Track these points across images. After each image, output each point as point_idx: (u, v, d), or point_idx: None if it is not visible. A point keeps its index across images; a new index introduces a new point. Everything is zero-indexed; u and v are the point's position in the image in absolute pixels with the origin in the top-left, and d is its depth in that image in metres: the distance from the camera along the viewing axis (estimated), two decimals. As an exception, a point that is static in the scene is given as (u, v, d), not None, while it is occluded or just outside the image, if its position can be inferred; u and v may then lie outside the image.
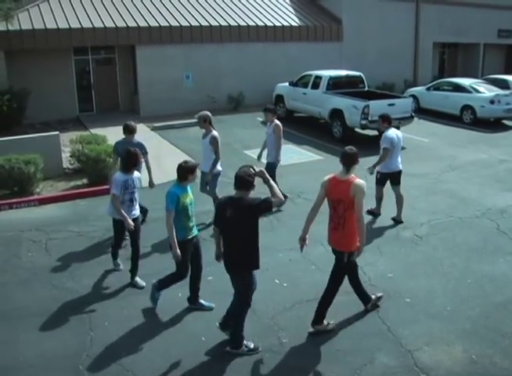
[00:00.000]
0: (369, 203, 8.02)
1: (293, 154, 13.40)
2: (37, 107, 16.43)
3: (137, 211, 6.70)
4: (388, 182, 8.79)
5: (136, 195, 6.60)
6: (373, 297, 6.03)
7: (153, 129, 16.27)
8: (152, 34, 18.24)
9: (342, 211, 5.34)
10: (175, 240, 5.64)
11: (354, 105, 14.20)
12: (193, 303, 6.11)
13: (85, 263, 7.34)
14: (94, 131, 14.79)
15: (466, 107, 17.27)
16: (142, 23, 18.19)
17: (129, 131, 7.91)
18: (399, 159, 8.67)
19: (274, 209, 5.27)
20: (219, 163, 8.38)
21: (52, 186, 10.72)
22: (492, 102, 16.69)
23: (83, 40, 17.23)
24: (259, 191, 5.20)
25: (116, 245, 6.98)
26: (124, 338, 5.53)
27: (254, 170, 5.04)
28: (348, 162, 5.41)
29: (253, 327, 5.51)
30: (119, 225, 6.56)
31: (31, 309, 6.15)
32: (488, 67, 27.17)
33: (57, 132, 12.08)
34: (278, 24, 20.64)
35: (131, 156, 6.40)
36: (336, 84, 15.90)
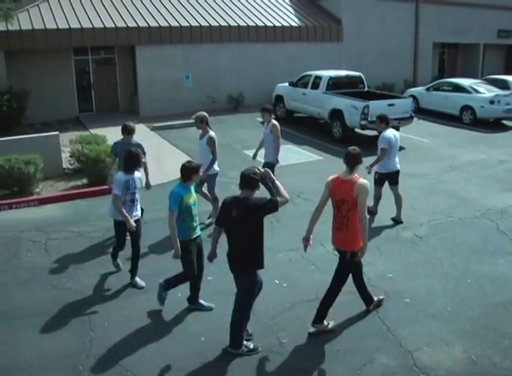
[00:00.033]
0: (368, 202, 8.02)
1: (292, 154, 13.40)
2: (36, 107, 16.44)
3: (138, 212, 6.69)
4: (386, 183, 8.80)
5: (137, 195, 6.59)
6: (376, 299, 6.05)
7: (153, 129, 16.28)
8: (152, 34, 18.24)
9: (346, 211, 5.36)
10: (177, 240, 5.65)
11: (354, 105, 14.20)
12: (193, 303, 6.11)
13: (85, 263, 7.34)
14: (94, 131, 14.79)
15: (466, 107, 17.28)
16: (142, 24, 18.19)
17: (128, 131, 7.88)
18: (397, 159, 8.69)
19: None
20: (216, 163, 8.38)
21: (52, 186, 10.72)
22: (491, 102, 16.69)
23: (83, 40, 17.23)
24: (264, 191, 5.18)
25: (118, 247, 6.93)
26: (124, 339, 5.53)
27: (259, 170, 5.07)
28: (352, 162, 5.43)
29: (253, 328, 5.51)
30: (120, 226, 6.52)
31: (31, 310, 6.15)
32: (487, 68, 27.19)
33: (57, 132, 12.08)
34: (278, 24, 20.65)
35: (132, 156, 6.39)
36: (336, 85, 15.90)
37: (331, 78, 15.93)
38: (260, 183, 5.05)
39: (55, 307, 6.18)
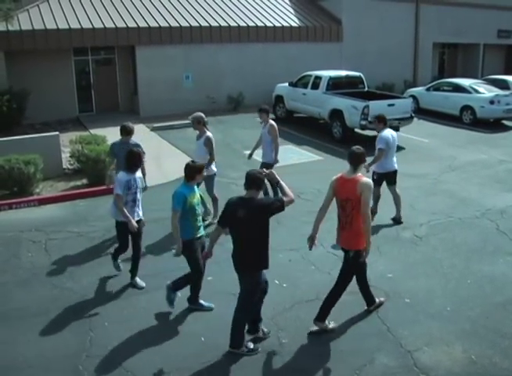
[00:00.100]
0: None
1: (292, 155, 13.40)
2: (37, 108, 16.44)
3: (141, 212, 6.66)
4: (384, 183, 8.80)
5: (139, 195, 6.55)
6: (377, 300, 6.06)
7: (153, 130, 16.28)
8: (151, 34, 18.24)
9: (350, 210, 5.40)
10: (180, 239, 5.68)
11: (353, 105, 14.20)
12: (193, 303, 6.10)
13: (85, 263, 7.34)
14: (94, 131, 14.80)
15: (466, 108, 17.27)
16: (142, 24, 18.19)
17: (126, 132, 7.85)
18: (394, 159, 8.70)
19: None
20: (213, 164, 8.39)
21: (52, 187, 10.72)
22: (491, 102, 16.69)
23: (83, 40, 17.23)
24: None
25: (120, 248, 6.80)
26: (124, 339, 5.53)
27: (264, 171, 5.10)
28: (356, 161, 5.49)
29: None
30: (122, 227, 6.45)
31: (31, 310, 6.15)
32: (487, 68, 27.19)
33: (57, 133, 12.08)
34: (278, 25, 20.65)
35: (133, 155, 6.37)
36: (336, 85, 15.91)
37: (331, 78, 15.93)
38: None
39: (55, 307, 6.18)
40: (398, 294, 6.40)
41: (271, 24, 20.50)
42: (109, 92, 19.26)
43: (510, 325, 5.73)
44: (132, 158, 6.36)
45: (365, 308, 6.00)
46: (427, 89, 19.18)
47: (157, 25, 18.37)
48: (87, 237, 8.25)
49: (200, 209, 5.90)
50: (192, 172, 5.70)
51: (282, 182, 5.21)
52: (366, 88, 16.64)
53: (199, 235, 5.88)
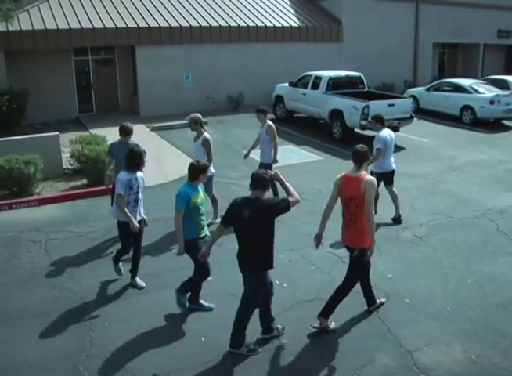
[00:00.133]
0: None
1: (293, 155, 13.41)
2: (37, 108, 16.43)
3: (142, 212, 6.63)
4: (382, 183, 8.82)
5: (141, 195, 6.52)
6: (378, 301, 6.07)
7: (153, 130, 16.28)
8: (151, 34, 18.24)
9: (354, 208, 5.44)
10: (182, 239, 5.69)
11: (353, 105, 14.20)
12: (193, 303, 6.10)
13: (85, 264, 7.34)
14: (94, 131, 14.80)
15: (466, 108, 17.28)
16: (142, 24, 18.19)
17: (125, 132, 7.84)
18: (392, 159, 8.71)
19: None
20: (212, 164, 8.39)
21: (52, 187, 10.72)
22: (491, 102, 16.69)
23: (83, 40, 17.22)
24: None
25: (123, 250, 6.71)
26: (124, 339, 5.53)
27: (269, 172, 5.12)
28: (359, 160, 5.53)
29: (253, 328, 5.50)
30: (124, 227, 6.40)
31: (31, 310, 6.15)
32: (487, 68, 27.19)
33: (57, 133, 12.08)
34: (278, 25, 20.64)
35: (134, 155, 6.34)
36: (336, 85, 15.91)
37: (331, 78, 15.93)
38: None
39: (55, 307, 6.17)
40: (398, 295, 6.40)
41: (271, 24, 20.50)
42: (110, 92, 19.26)
43: (510, 325, 5.73)
44: (133, 158, 6.34)
45: (366, 308, 6.01)
46: (427, 89, 19.18)
47: (157, 25, 18.37)
48: (87, 237, 8.25)
49: (204, 209, 5.90)
50: (196, 172, 5.69)
51: (287, 182, 5.22)
52: (366, 88, 16.64)
53: (203, 234, 5.87)
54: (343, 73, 16.96)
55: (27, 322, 5.87)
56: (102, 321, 5.89)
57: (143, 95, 18.52)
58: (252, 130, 15.55)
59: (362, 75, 16.78)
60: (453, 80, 19.21)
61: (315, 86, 16.08)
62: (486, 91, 17.35)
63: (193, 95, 18.74)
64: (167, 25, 18.54)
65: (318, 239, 5.60)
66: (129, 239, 6.56)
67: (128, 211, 6.24)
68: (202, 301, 6.12)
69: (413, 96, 18.66)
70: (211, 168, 8.42)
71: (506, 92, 17.35)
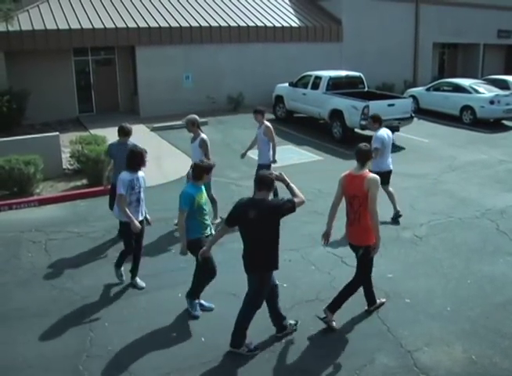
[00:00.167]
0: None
1: (293, 155, 13.41)
2: (37, 108, 16.44)
3: (144, 212, 6.63)
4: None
5: (142, 195, 6.50)
6: (378, 301, 6.07)
7: (153, 130, 16.28)
8: (151, 34, 18.24)
9: (357, 207, 5.47)
10: (184, 239, 5.69)
11: (353, 105, 14.20)
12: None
13: (85, 264, 7.34)
14: (94, 131, 14.79)
15: (466, 108, 17.28)
16: (142, 24, 18.19)
17: (124, 133, 7.81)
18: (390, 160, 8.71)
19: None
20: None
21: (52, 187, 10.72)
22: (491, 102, 16.69)
23: (83, 41, 17.23)
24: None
25: (126, 251, 6.65)
26: (124, 339, 5.53)
27: (274, 173, 5.14)
28: (363, 158, 5.57)
29: (253, 328, 5.50)
30: (126, 227, 6.36)
31: (31, 310, 6.15)
32: (487, 68, 27.19)
33: (57, 133, 12.09)
34: (278, 25, 20.64)
35: (135, 155, 6.33)
36: (336, 85, 15.91)
37: (331, 78, 15.93)
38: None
39: (55, 307, 6.18)
40: (399, 295, 6.40)
41: (271, 24, 20.50)
42: (110, 92, 19.26)
43: (510, 325, 5.73)
44: (134, 157, 6.33)
45: (366, 308, 6.01)
46: (427, 89, 19.18)
47: (157, 25, 18.37)
48: (87, 238, 8.25)
49: (207, 208, 5.89)
50: (200, 172, 5.69)
51: (291, 183, 5.23)
52: (366, 88, 16.64)
53: (207, 234, 5.87)
54: (343, 73, 16.96)
55: (27, 322, 5.87)
56: (103, 321, 5.89)
57: (143, 96, 18.52)
58: (252, 130, 15.51)
59: (362, 75, 16.78)
60: (453, 80, 19.21)
61: (315, 86, 16.08)
62: (486, 91, 17.35)
63: (193, 96, 18.74)
64: (167, 25, 18.55)
65: (326, 236, 5.70)
66: (131, 239, 6.52)
67: (129, 212, 6.23)
68: (202, 302, 6.12)
69: (413, 96, 18.66)
70: None
71: (506, 92, 17.35)
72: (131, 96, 19.42)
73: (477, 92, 17.31)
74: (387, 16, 22.92)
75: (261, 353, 5.27)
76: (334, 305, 5.65)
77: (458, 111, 17.55)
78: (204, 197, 5.83)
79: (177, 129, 16.25)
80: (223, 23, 19.59)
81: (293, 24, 21.08)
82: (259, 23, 20.31)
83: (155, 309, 6.13)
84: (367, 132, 14.75)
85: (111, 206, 7.83)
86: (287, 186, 5.23)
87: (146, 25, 18.21)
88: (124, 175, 6.28)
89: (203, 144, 8.19)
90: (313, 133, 15.88)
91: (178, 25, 18.72)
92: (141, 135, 14.02)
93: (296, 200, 5.04)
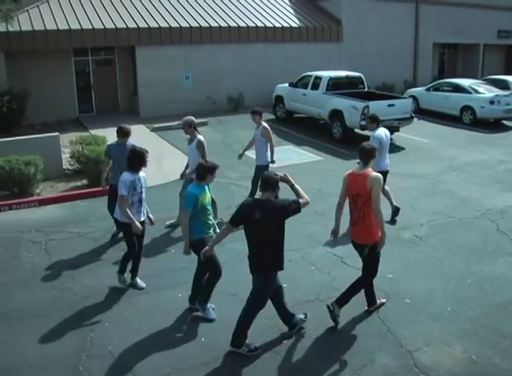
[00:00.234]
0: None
1: (293, 155, 13.41)
2: (37, 108, 16.44)
3: (145, 213, 6.62)
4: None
5: (144, 195, 6.49)
6: (378, 301, 6.08)
7: (153, 130, 16.28)
8: (151, 35, 18.24)
9: (361, 205, 5.51)
10: (187, 239, 5.69)
11: (353, 106, 14.21)
12: (194, 303, 6.08)
13: (85, 264, 7.34)
14: (94, 132, 14.79)
15: (466, 108, 17.27)
16: (142, 24, 18.20)
17: (123, 134, 7.79)
18: (387, 161, 8.71)
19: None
20: None
21: (52, 187, 10.72)
22: (491, 102, 16.69)
23: (83, 41, 17.23)
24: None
25: (130, 252, 6.56)
26: (125, 339, 5.53)
27: (278, 174, 5.16)
28: (366, 157, 5.61)
29: (253, 328, 5.51)
30: (128, 228, 6.32)
31: (31, 310, 6.15)
32: (487, 68, 27.19)
33: (57, 133, 12.09)
34: (278, 25, 20.65)
35: (136, 155, 6.32)
36: (336, 85, 15.91)
37: (331, 79, 15.94)
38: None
39: (56, 308, 6.18)
40: (399, 295, 6.41)
41: (271, 25, 20.50)
42: (110, 92, 19.26)
43: (510, 325, 5.73)
44: (136, 158, 6.32)
45: (366, 308, 6.01)
46: (427, 89, 19.18)
47: (157, 25, 18.37)
48: (87, 238, 8.25)
49: (211, 208, 5.90)
50: (204, 172, 5.69)
51: (296, 184, 5.24)
52: (366, 89, 16.65)
53: (211, 234, 5.85)
54: (343, 73, 16.97)
55: (27, 322, 5.87)
56: (103, 322, 5.89)
57: (143, 96, 18.53)
58: (252, 130, 15.48)
59: (362, 75, 16.78)
60: (453, 80, 19.21)
61: (315, 86, 16.08)
62: (486, 91, 17.35)
63: (193, 96, 18.75)
64: (167, 25, 18.55)
65: (335, 233, 5.82)
66: (134, 239, 6.46)
67: (130, 213, 6.21)
68: (202, 302, 6.12)
69: (413, 96, 18.66)
70: None
71: (506, 92, 17.35)
72: (131, 97, 19.43)
73: (477, 92, 17.31)
74: (387, 16, 22.92)
75: (262, 353, 5.26)
76: (341, 300, 5.69)
77: (458, 111, 17.55)
78: (208, 197, 5.82)
79: (177, 129, 16.23)
80: (223, 24, 19.60)
81: (293, 24, 21.08)
82: (259, 24, 20.31)
83: (155, 309, 6.13)
84: (367, 133, 14.73)
85: (110, 207, 7.82)
86: (292, 186, 5.25)
87: (146, 25, 18.21)
88: (126, 176, 6.26)
89: (200, 145, 8.19)
90: (313, 133, 15.88)
91: (178, 25, 18.73)
92: (141, 136, 14.02)
93: (301, 201, 5.07)
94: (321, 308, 5.92)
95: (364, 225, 5.54)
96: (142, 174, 6.47)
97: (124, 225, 6.44)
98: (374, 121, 8.65)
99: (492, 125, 17.10)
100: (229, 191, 10.35)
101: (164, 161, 12.57)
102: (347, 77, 16.68)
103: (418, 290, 6.53)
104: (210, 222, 5.88)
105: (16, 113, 15.52)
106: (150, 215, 6.76)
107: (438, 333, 5.60)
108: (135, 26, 18.04)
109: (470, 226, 8.64)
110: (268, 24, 20.48)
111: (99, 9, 18.43)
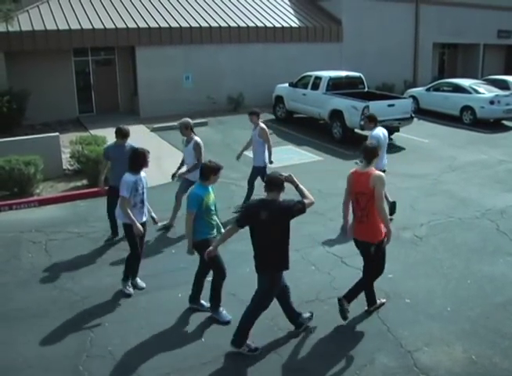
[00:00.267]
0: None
1: (293, 155, 13.41)
2: (37, 108, 16.44)
3: (147, 213, 6.61)
4: None
5: (146, 196, 6.47)
6: (378, 301, 6.08)
7: (153, 130, 16.27)
8: (151, 35, 18.24)
9: (364, 204, 5.53)
10: (191, 239, 5.69)
11: (353, 106, 14.21)
12: (194, 303, 6.09)
13: (85, 264, 7.34)
14: (94, 132, 14.79)
15: (466, 108, 17.28)
16: (142, 24, 18.20)
17: (122, 135, 7.74)
18: (385, 160, 8.71)
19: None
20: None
21: (52, 187, 10.72)
22: (491, 102, 16.69)
23: (83, 41, 17.23)
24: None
25: (133, 256, 6.48)
26: (125, 339, 5.53)
27: (283, 174, 5.18)
28: (369, 156, 5.66)
29: (253, 328, 5.51)
30: (130, 229, 6.28)
31: (31, 310, 6.15)
32: (487, 68, 27.20)
33: (57, 133, 12.09)
34: (278, 25, 20.65)
35: (138, 155, 6.30)
36: (336, 85, 15.91)
37: (331, 79, 15.94)
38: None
39: (56, 308, 6.18)
40: (399, 295, 6.41)
41: (271, 25, 20.51)
42: (110, 92, 19.26)
43: (510, 325, 5.73)
44: (137, 158, 6.30)
45: (366, 308, 6.01)
46: (427, 90, 19.18)
47: (157, 25, 18.37)
48: (87, 238, 8.25)
49: (215, 208, 5.89)
50: (208, 172, 5.66)
51: (300, 185, 5.25)
52: (366, 89, 16.65)
53: (214, 235, 5.84)
54: (343, 73, 16.97)
55: (27, 322, 5.87)
56: (103, 321, 5.89)
57: (143, 96, 18.53)
58: (252, 131, 15.57)
59: (362, 75, 16.78)
60: (453, 80, 19.21)
61: (315, 86, 16.08)
62: (486, 91, 17.35)
63: (193, 96, 18.75)
64: (167, 25, 18.55)
65: (344, 230, 5.91)
66: (136, 239, 6.39)
67: (131, 214, 6.18)
68: (203, 302, 6.11)
69: (413, 97, 18.67)
70: None
71: (506, 92, 17.36)
72: (131, 97, 19.43)
73: (477, 92, 17.31)
74: (387, 16, 22.92)
75: (262, 353, 5.27)
76: (349, 296, 5.71)
77: (458, 111, 17.55)
78: (212, 197, 5.80)
79: (177, 130, 16.24)
80: (223, 24, 19.60)
81: (293, 24, 21.08)
82: (259, 24, 20.31)
83: (155, 309, 6.13)
84: (367, 133, 14.75)
85: (109, 209, 7.80)
86: (296, 187, 5.26)
87: (146, 25, 18.22)
88: (128, 177, 6.23)
89: (197, 147, 8.19)
90: (313, 133, 15.88)
91: (178, 25, 18.73)
92: (141, 136, 14.02)
93: (306, 201, 5.09)
94: (321, 308, 5.92)
95: (369, 224, 5.56)
96: (143, 174, 6.46)
97: (125, 226, 6.40)
98: (372, 121, 8.66)
99: (492, 125, 17.10)
100: (229, 191, 10.36)
101: (164, 161, 12.56)
102: (347, 77, 16.68)
103: (418, 290, 6.53)
104: (214, 223, 5.87)
105: (16, 113, 15.53)
106: (153, 215, 6.76)
107: (438, 333, 5.60)
108: (135, 26, 18.05)
109: (470, 226, 8.64)
110: (268, 24, 20.48)
111: (99, 9, 18.44)
